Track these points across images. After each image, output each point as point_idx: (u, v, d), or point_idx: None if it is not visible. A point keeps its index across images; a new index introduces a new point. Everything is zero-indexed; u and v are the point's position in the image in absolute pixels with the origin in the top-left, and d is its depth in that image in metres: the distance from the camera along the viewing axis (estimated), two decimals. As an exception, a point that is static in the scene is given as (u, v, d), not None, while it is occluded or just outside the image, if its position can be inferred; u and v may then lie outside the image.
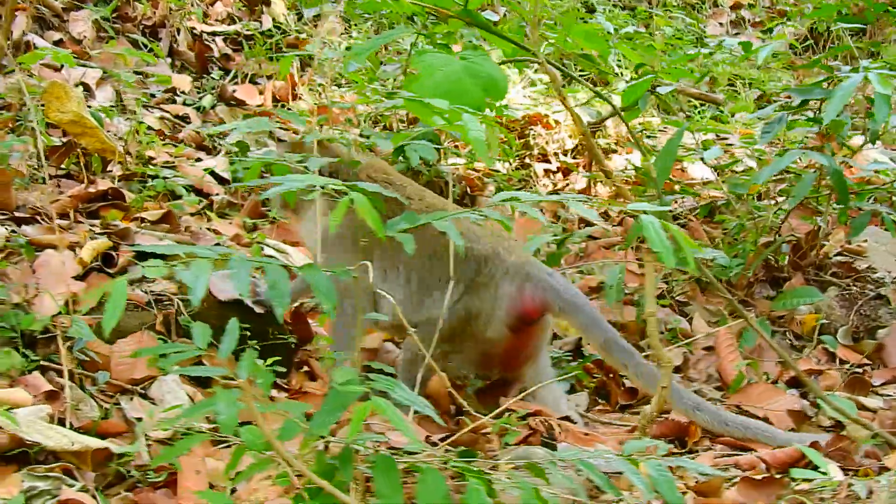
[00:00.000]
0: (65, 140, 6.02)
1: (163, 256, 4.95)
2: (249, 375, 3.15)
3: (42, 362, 4.35)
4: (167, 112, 7.05)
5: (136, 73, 7.00)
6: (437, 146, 6.11)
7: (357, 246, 4.59)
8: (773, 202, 6.43)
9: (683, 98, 8.79)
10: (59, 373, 4.33)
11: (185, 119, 7.08)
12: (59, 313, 4.47)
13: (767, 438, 4.49)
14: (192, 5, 7.92)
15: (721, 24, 12.28)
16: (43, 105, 5.66)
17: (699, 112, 9.10)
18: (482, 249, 4.67)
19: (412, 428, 2.94)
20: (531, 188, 7.16)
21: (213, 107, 7.35)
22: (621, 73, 8.64)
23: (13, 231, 5.06)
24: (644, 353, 5.23)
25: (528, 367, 4.90)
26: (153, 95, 7.16)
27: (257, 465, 3.10)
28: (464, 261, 4.61)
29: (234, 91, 7.51)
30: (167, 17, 7.64)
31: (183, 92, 7.34)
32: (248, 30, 7.97)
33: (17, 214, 5.28)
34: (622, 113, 5.79)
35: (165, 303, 4.80)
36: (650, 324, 3.83)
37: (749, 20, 12.38)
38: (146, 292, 4.85)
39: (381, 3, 4.08)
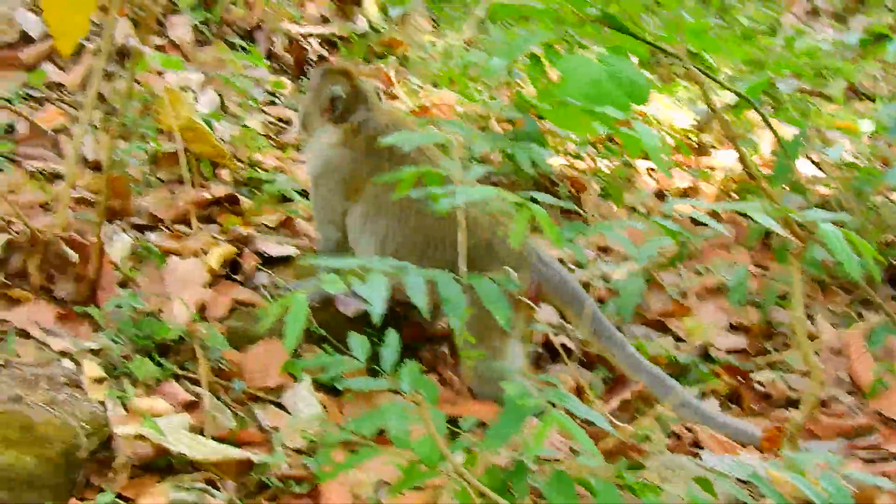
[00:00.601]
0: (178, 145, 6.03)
1: (281, 260, 5.02)
2: (414, 387, 3.13)
3: (176, 370, 4.36)
4: (269, 115, 7.04)
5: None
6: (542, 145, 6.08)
7: (348, 187, 4.79)
8: (884, 198, 6.33)
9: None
10: (194, 381, 4.34)
11: (288, 122, 7.06)
12: (193, 321, 4.47)
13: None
14: (287, 7, 7.91)
15: (796, 14, 12.15)
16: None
17: (789, 107, 8.96)
18: (472, 240, 4.33)
19: (591, 443, 2.88)
20: (634, 187, 7.10)
21: (313, 109, 7.34)
22: (719, 68, 8.55)
23: (137, 238, 5.07)
24: (764, 357, 5.19)
25: None
26: (255, 99, 7.14)
27: (421, 475, 3.07)
28: (452, 250, 4.34)
29: (332, 93, 7.50)
30: (263, 20, 7.63)
31: (283, 95, 7.33)
32: (342, 31, 7.95)
33: (136, 221, 5.30)
34: (732, 109, 5.71)
35: (293, 309, 4.78)
36: (799, 329, 3.79)
37: (824, 10, 12.25)
38: (273, 298, 4.85)
39: (518, 7, 4.03)
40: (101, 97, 6.53)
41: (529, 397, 2.95)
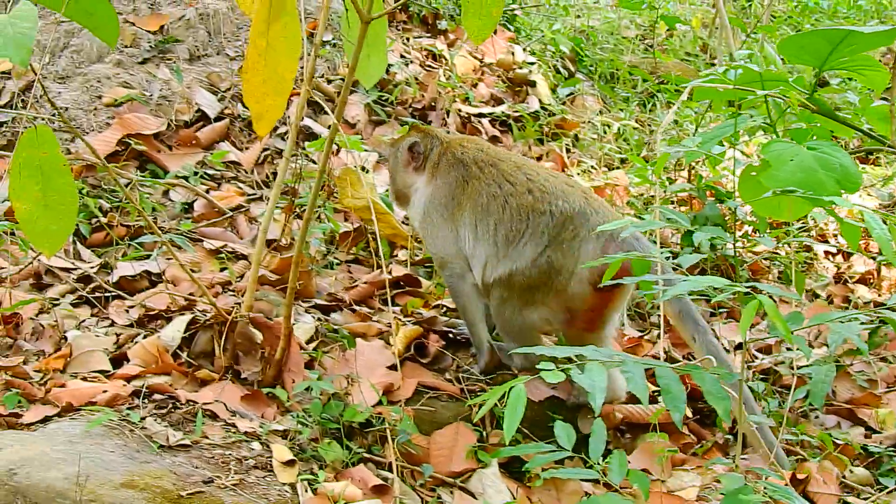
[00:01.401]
0: (355, 226, 6.03)
1: (466, 343, 4.96)
2: (624, 478, 3.05)
3: (364, 454, 4.31)
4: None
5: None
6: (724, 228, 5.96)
7: (451, 212, 4.92)
8: None
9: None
10: (380, 464, 4.29)
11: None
12: (380, 403, 4.43)
13: None
14: (459, 87, 7.91)
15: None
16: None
17: None
18: (569, 208, 4.76)
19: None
20: (814, 272, 6.93)
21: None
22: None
23: (319, 319, 5.05)
24: None
25: (604, 329, 4.96)
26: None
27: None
28: (549, 216, 4.75)
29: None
30: (436, 100, 7.64)
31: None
32: (514, 111, 7.92)
33: (317, 302, 5.28)
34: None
35: (479, 393, 4.73)
36: None
37: None
38: (458, 381, 4.79)
39: (722, 92, 3.94)
40: (276, 176, 6.58)
41: (750, 492, 2.83)
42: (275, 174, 6.67)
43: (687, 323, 4.64)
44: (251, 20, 4.00)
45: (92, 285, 5.37)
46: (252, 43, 3.96)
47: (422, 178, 5.08)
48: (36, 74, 5.87)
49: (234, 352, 4.64)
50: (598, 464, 3.22)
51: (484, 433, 4.58)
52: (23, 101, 6.75)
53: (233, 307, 4.72)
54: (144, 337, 4.83)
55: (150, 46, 7.15)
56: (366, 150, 6.78)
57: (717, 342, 4.65)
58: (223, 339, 4.63)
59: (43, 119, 6.18)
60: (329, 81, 7.42)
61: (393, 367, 4.64)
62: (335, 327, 4.98)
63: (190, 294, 5.11)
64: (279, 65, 4.01)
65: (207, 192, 6.36)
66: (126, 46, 7.09)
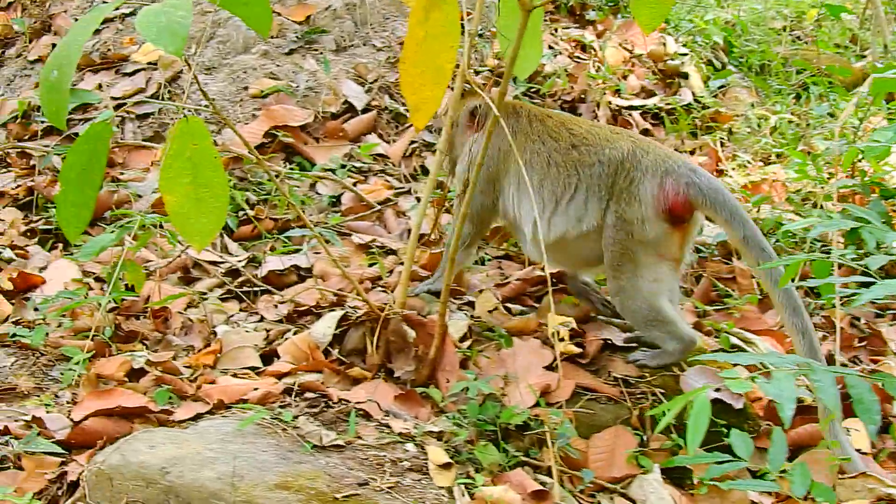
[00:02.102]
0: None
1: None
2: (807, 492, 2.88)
3: (521, 457, 4.17)
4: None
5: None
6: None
7: (496, 164, 4.83)
8: None
9: None
10: (539, 469, 4.15)
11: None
12: (537, 405, 4.28)
13: None
14: (609, 79, 7.73)
15: None
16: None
17: None
18: (617, 154, 4.65)
19: None
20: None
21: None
22: None
23: (472, 316, 4.92)
24: None
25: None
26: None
27: None
28: (599, 166, 4.64)
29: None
30: (586, 92, 7.48)
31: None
32: (666, 103, 7.72)
33: (469, 299, 5.15)
34: None
35: (639, 395, 4.55)
36: None
37: None
38: (617, 382, 4.62)
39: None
40: (424, 169, 6.50)
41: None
42: (422, 167, 6.59)
43: (751, 248, 4.53)
44: (409, 8, 3.88)
45: (240, 279, 5.32)
46: (410, 32, 3.84)
47: (475, 136, 4.96)
48: (187, 65, 5.81)
49: (387, 350, 4.53)
50: (773, 474, 3.05)
51: (644, 437, 4.40)
52: (169, 91, 6.73)
53: (385, 304, 4.60)
54: (294, 333, 4.76)
55: (297, 37, 7.10)
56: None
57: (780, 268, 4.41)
58: (375, 336, 4.53)
59: (191, 110, 6.14)
60: (477, 73, 7.30)
61: (550, 368, 4.48)
62: (496, 327, 4.83)
63: (340, 290, 5.02)
64: (437, 55, 3.88)
65: (355, 185, 6.28)
66: (272, 37, 7.04)
